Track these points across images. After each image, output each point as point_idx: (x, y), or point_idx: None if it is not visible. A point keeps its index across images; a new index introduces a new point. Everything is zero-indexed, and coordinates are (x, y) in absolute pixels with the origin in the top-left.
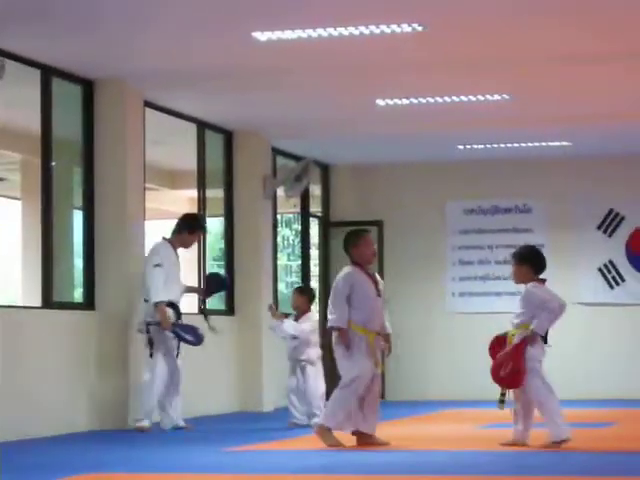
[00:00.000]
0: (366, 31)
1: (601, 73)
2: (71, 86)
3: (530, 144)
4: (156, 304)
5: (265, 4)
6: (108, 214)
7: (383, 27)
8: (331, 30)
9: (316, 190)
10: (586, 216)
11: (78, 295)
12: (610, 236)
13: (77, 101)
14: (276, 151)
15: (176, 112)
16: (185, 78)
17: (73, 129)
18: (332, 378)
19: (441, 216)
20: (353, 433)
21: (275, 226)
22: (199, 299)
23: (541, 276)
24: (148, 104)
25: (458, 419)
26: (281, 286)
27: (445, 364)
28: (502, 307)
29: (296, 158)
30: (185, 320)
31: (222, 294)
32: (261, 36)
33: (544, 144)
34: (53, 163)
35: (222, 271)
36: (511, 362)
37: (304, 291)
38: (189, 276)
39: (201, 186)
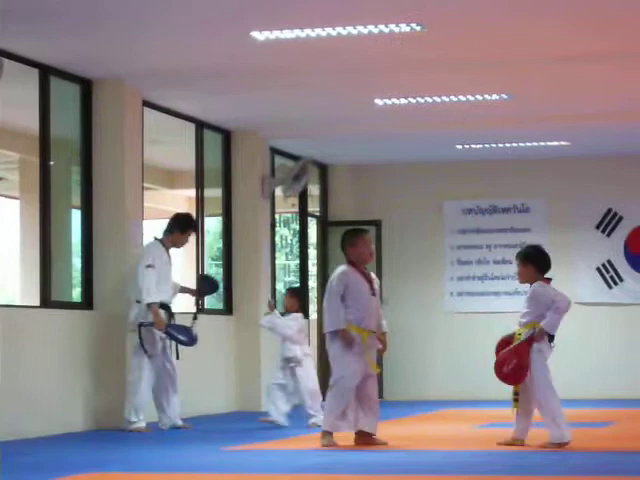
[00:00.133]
0: (364, 31)
1: (600, 73)
2: (69, 85)
3: (529, 144)
4: (149, 305)
5: (263, 4)
6: (106, 214)
7: (381, 27)
8: (329, 30)
9: (314, 190)
10: (585, 216)
11: (76, 295)
12: (608, 236)
13: (75, 100)
14: (274, 151)
15: (174, 112)
16: (183, 78)
17: (71, 128)
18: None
19: (439, 216)
20: (358, 432)
21: (273, 226)
22: (195, 300)
23: (545, 275)
24: (146, 103)
25: (456, 419)
26: (279, 286)
27: (443, 364)
28: (500, 307)
29: (294, 158)
30: (180, 320)
31: (219, 294)
32: (259, 36)
33: (543, 144)
34: (51, 162)
35: (220, 271)
36: (516, 359)
37: (295, 292)
38: (187, 276)
39: (199, 186)
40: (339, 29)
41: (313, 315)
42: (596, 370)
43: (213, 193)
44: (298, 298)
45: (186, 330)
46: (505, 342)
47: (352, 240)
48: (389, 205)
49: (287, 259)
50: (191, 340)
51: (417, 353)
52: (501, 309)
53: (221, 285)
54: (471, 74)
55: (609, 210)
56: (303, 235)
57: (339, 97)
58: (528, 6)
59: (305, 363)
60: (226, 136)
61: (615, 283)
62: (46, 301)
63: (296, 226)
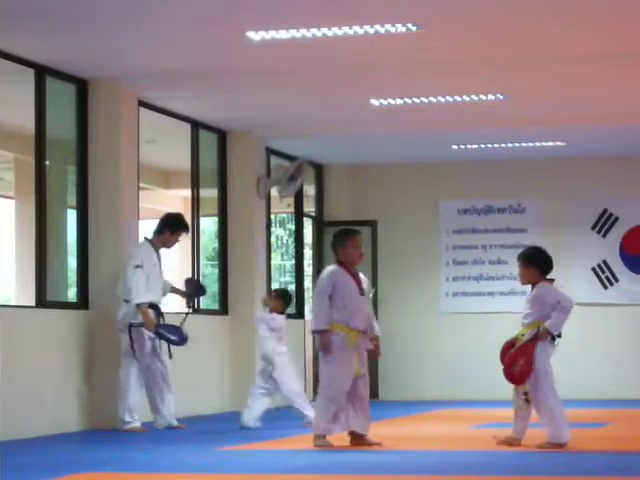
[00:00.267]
0: (360, 31)
1: (596, 74)
2: (65, 85)
3: (524, 144)
4: (138, 305)
5: (259, 4)
6: (102, 213)
7: (377, 27)
8: (325, 30)
9: (310, 190)
10: (580, 216)
11: (72, 294)
12: (604, 236)
13: (71, 100)
14: (270, 151)
15: (170, 112)
16: (179, 78)
17: (67, 128)
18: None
19: (435, 216)
20: (350, 433)
21: (269, 226)
22: (186, 301)
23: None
24: (142, 103)
25: (452, 419)
26: (275, 286)
27: (439, 364)
28: (496, 307)
29: (290, 158)
30: (172, 320)
31: (214, 293)
32: (255, 36)
33: (538, 144)
34: (47, 162)
35: (215, 271)
36: (523, 358)
37: (279, 294)
38: (183, 276)
39: (195, 186)
40: (335, 29)
41: (308, 316)
42: (592, 370)
43: (209, 193)
44: (282, 300)
45: (176, 329)
46: (509, 345)
47: (342, 241)
48: (385, 205)
49: (283, 259)
50: (181, 339)
51: (412, 353)
52: (497, 309)
53: (216, 285)
54: (467, 74)
55: (605, 210)
56: (299, 235)
57: (335, 97)
58: (524, 7)
59: (280, 363)
60: (222, 136)
61: (611, 283)
62: (41, 301)
63: (292, 226)
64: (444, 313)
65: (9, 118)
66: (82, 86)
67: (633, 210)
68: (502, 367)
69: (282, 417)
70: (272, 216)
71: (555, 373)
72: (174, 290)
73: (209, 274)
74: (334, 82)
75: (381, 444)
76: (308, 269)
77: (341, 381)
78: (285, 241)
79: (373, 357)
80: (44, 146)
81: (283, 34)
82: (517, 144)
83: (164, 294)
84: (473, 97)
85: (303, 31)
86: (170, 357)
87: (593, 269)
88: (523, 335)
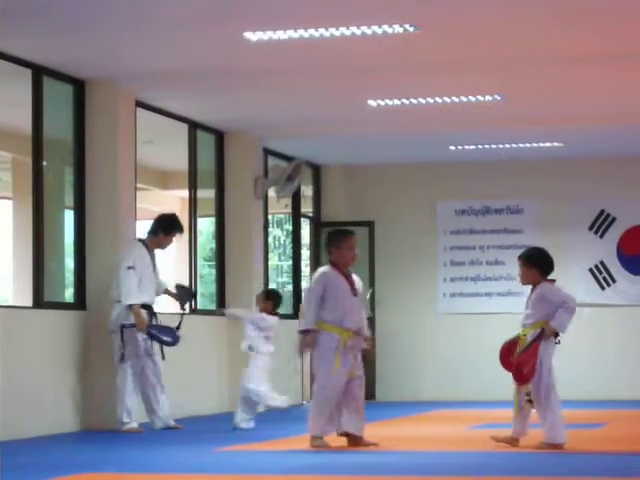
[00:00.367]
0: (358, 32)
1: (593, 74)
2: (62, 86)
3: (522, 145)
4: (130, 307)
5: (256, 4)
6: (99, 214)
7: (375, 28)
8: (322, 30)
9: (307, 190)
10: (577, 217)
11: (69, 295)
12: (601, 237)
13: (68, 101)
14: (267, 151)
15: (167, 112)
16: (176, 78)
17: (64, 129)
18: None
19: (432, 216)
20: (341, 434)
21: (266, 226)
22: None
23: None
24: (139, 104)
25: (449, 420)
26: (272, 286)
27: (436, 364)
28: (493, 308)
29: (287, 158)
30: (168, 320)
31: (211, 294)
32: (252, 36)
33: (536, 145)
34: (44, 163)
35: (213, 271)
36: (532, 359)
37: (268, 295)
38: (180, 276)
39: (192, 186)
40: (332, 30)
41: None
42: (589, 371)
43: (206, 194)
44: (272, 300)
45: (169, 330)
46: (509, 346)
47: (337, 242)
48: (382, 206)
49: (280, 260)
50: (174, 340)
51: (410, 354)
52: (494, 310)
53: (214, 286)
54: (464, 75)
55: (602, 211)
56: (296, 236)
57: (332, 98)
58: (521, 8)
59: (253, 363)
60: (219, 137)
61: (608, 284)
62: (39, 301)
63: (289, 227)
64: (441, 314)
65: (6, 118)
66: (79, 86)
67: (630, 211)
68: (504, 368)
69: (278, 418)
70: (269, 217)
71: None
72: (167, 292)
73: (206, 274)
74: (331, 83)
75: (377, 444)
76: (305, 270)
77: (334, 382)
78: (282, 242)
79: (369, 357)
80: (41, 146)
81: (281, 35)
82: (514, 145)
83: (157, 294)
84: (471, 98)
85: (301, 32)
86: (163, 358)
87: (590, 270)
88: (525, 335)
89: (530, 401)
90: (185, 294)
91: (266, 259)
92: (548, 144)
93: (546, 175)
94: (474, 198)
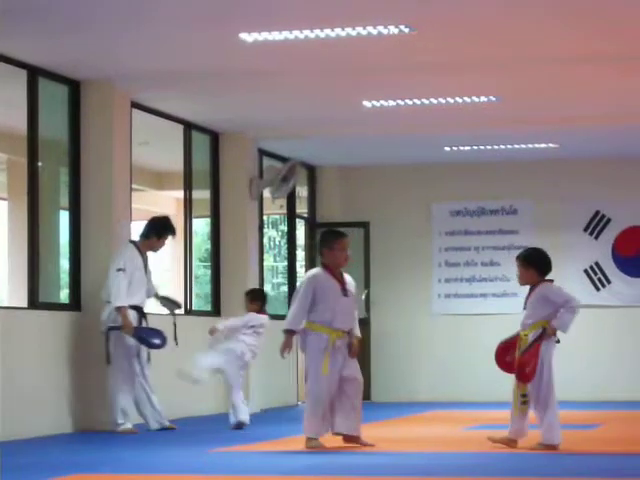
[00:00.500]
0: (353, 32)
1: (589, 75)
2: (58, 87)
3: (517, 146)
4: (118, 309)
5: (252, 5)
6: (95, 215)
7: (370, 28)
8: (318, 31)
9: (302, 191)
10: (572, 218)
11: (64, 296)
12: (596, 238)
13: (64, 102)
14: (263, 152)
15: (163, 113)
16: (172, 79)
17: (60, 130)
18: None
19: (427, 217)
20: (335, 434)
21: (261, 227)
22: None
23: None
24: (135, 105)
25: (445, 420)
26: (267, 287)
27: (431, 365)
28: (488, 309)
29: (282, 159)
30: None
31: (207, 294)
32: (248, 37)
33: (531, 146)
34: (40, 164)
35: (208, 272)
36: (534, 359)
37: (254, 296)
38: (175, 277)
39: (187, 187)
40: (327, 31)
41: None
42: (584, 372)
43: (201, 194)
44: (259, 300)
45: (156, 332)
46: (505, 346)
47: (330, 243)
48: (377, 207)
49: (275, 261)
50: (161, 343)
51: (405, 355)
52: (489, 311)
53: (209, 287)
54: (460, 76)
55: (597, 212)
56: (291, 237)
57: (327, 99)
58: (517, 9)
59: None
60: (214, 137)
61: (603, 285)
62: (34, 302)
63: (284, 227)
64: (436, 315)
65: (2, 119)
66: (75, 87)
67: (625, 212)
68: (500, 368)
69: (274, 419)
70: (265, 217)
71: None
72: (157, 296)
73: (201, 275)
74: (327, 84)
75: (374, 445)
76: (301, 270)
77: (324, 382)
78: (278, 242)
79: (349, 354)
80: (37, 147)
81: (276, 36)
82: (510, 146)
83: (148, 297)
84: (466, 99)
85: (296, 33)
86: (148, 360)
87: (585, 271)
88: (526, 336)
89: (525, 402)
90: (170, 305)
91: (261, 260)
92: (543, 145)
93: (541, 176)
94: (469, 199)
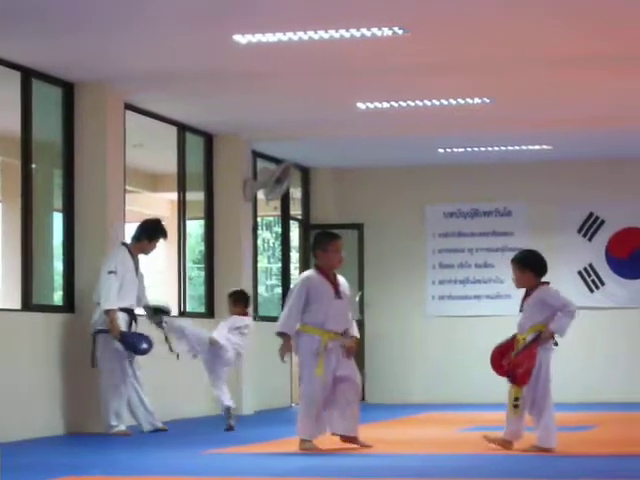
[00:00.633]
0: (347, 34)
1: (582, 77)
2: (51, 88)
3: (511, 147)
4: (107, 312)
5: (246, 7)
6: (88, 217)
7: (364, 30)
8: (311, 33)
9: (296, 193)
10: (566, 219)
11: (58, 298)
12: (590, 240)
13: (57, 103)
14: (256, 154)
15: (156, 115)
16: (166, 81)
17: (53, 132)
18: None
19: (421, 219)
20: (333, 434)
21: (255, 229)
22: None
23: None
24: (129, 107)
25: (439, 422)
26: (261, 289)
27: (425, 367)
28: (482, 310)
29: (276, 161)
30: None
31: (200, 296)
32: (242, 39)
33: (524, 148)
34: (33, 166)
35: (202, 274)
36: (527, 361)
37: (237, 298)
38: (169, 279)
39: (181, 189)
40: (321, 32)
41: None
42: (578, 374)
43: (195, 196)
44: (240, 302)
45: (142, 338)
46: (501, 351)
47: (323, 244)
48: (371, 208)
49: (269, 262)
50: (147, 348)
51: (399, 356)
52: (483, 313)
53: (203, 288)
54: (453, 78)
55: (591, 214)
56: (285, 238)
57: (321, 100)
58: (511, 10)
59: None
60: (208, 139)
61: (597, 287)
62: (27, 304)
63: (278, 229)
64: (430, 316)
65: None
66: (68, 89)
67: (619, 213)
68: (495, 372)
69: (268, 420)
70: (258, 219)
71: None
72: (146, 307)
73: (195, 277)
74: (321, 85)
75: (372, 446)
76: (295, 272)
77: (317, 384)
78: (271, 244)
79: (345, 355)
80: (30, 149)
81: (270, 37)
82: (503, 147)
83: (139, 304)
84: (459, 100)
85: (290, 34)
86: (132, 362)
87: (579, 272)
88: (524, 339)
89: (517, 406)
90: (158, 317)
91: (255, 261)
92: (537, 147)
93: (535, 178)
94: (463, 201)
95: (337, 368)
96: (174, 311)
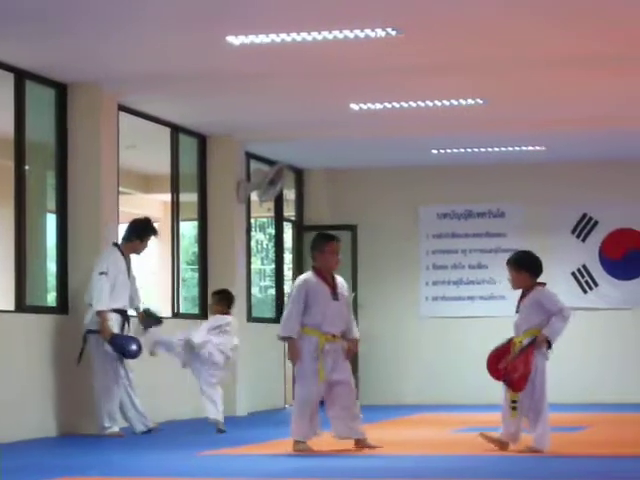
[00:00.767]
0: (340, 35)
1: (575, 77)
2: (45, 90)
3: (504, 149)
4: (98, 313)
5: (239, 8)
6: (82, 218)
7: (357, 31)
8: (305, 34)
9: (290, 194)
10: (560, 220)
11: (51, 299)
12: (584, 241)
13: (51, 105)
14: (250, 155)
15: (150, 116)
16: (159, 82)
17: (47, 133)
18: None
19: (415, 220)
20: (342, 439)
21: (249, 230)
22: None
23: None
24: (122, 108)
25: (432, 423)
26: (255, 290)
27: (419, 368)
28: (475, 312)
29: (270, 162)
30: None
31: (194, 297)
32: (235, 40)
33: (518, 149)
34: (26, 167)
35: (195, 275)
36: (523, 365)
37: (221, 297)
38: (162, 280)
39: (175, 190)
40: (314, 34)
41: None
42: (572, 375)
43: (188, 197)
44: (224, 301)
45: (132, 340)
46: (497, 355)
47: (321, 246)
48: (365, 209)
49: (263, 264)
50: (136, 351)
51: (392, 357)
52: (476, 314)
53: (196, 290)
54: (447, 79)
55: (584, 215)
56: (279, 239)
57: (314, 102)
58: (504, 12)
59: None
60: (201, 140)
61: (590, 288)
62: (21, 305)
63: (272, 230)
64: (424, 317)
65: None
66: (62, 90)
67: (612, 214)
68: (492, 376)
69: (262, 422)
70: (252, 220)
71: None
72: (138, 310)
73: (189, 278)
74: (314, 86)
75: (382, 447)
76: (288, 273)
77: (314, 386)
78: (265, 245)
79: (345, 356)
80: (23, 151)
81: (263, 39)
82: (497, 148)
83: (132, 306)
84: (453, 102)
85: (283, 36)
86: (121, 364)
87: (573, 273)
88: (521, 342)
89: (515, 408)
90: (148, 322)
91: (248, 263)
92: (530, 148)
93: (528, 179)
94: (456, 202)
95: (333, 371)
96: (168, 312)
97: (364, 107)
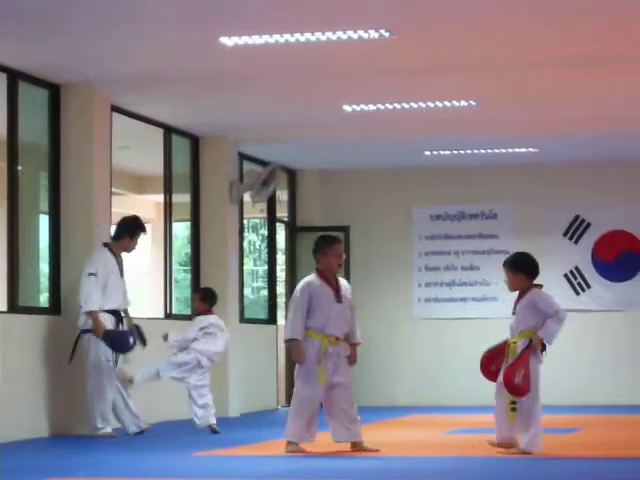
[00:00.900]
0: (333, 37)
1: (568, 79)
2: (38, 90)
3: (497, 150)
4: (88, 313)
5: (232, 9)
6: (74, 219)
7: (350, 33)
8: (298, 35)
9: (283, 195)
10: (552, 222)
11: (44, 300)
12: (576, 242)
13: (44, 105)
14: (243, 156)
15: (143, 117)
16: (152, 83)
17: (39, 133)
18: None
19: (407, 222)
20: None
21: (242, 231)
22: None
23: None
24: (115, 109)
25: (426, 425)
26: (247, 291)
27: (412, 369)
28: (468, 313)
29: (263, 163)
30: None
31: (186, 298)
32: (228, 41)
33: (511, 150)
34: (19, 168)
35: (188, 276)
36: (523, 369)
37: (204, 296)
38: (155, 281)
39: (168, 191)
40: (308, 35)
41: (281, 321)
42: (565, 376)
43: (181, 198)
44: (207, 299)
45: (127, 334)
46: (490, 356)
47: (324, 248)
48: (357, 211)
49: (255, 265)
50: (131, 346)
51: (385, 359)
52: (469, 315)
53: (189, 291)
54: (440, 80)
55: (577, 217)
56: (271, 241)
57: (307, 103)
58: (497, 14)
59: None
60: (194, 141)
61: (583, 290)
62: (13, 306)
63: (264, 232)
64: (417, 319)
65: None
66: (55, 91)
67: (605, 216)
68: (485, 377)
69: (254, 423)
70: (245, 221)
71: None
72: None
73: (181, 279)
74: (307, 88)
75: (379, 450)
76: (281, 274)
77: (313, 389)
78: (258, 246)
79: (349, 363)
80: (16, 151)
81: (256, 40)
82: (490, 150)
83: (125, 304)
84: (446, 103)
85: (276, 37)
86: (115, 363)
87: (565, 275)
88: (515, 343)
89: (514, 409)
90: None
91: (241, 264)
92: (523, 150)
93: (521, 180)
94: (449, 203)
95: (334, 374)
96: (161, 313)
97: (357, 108)
